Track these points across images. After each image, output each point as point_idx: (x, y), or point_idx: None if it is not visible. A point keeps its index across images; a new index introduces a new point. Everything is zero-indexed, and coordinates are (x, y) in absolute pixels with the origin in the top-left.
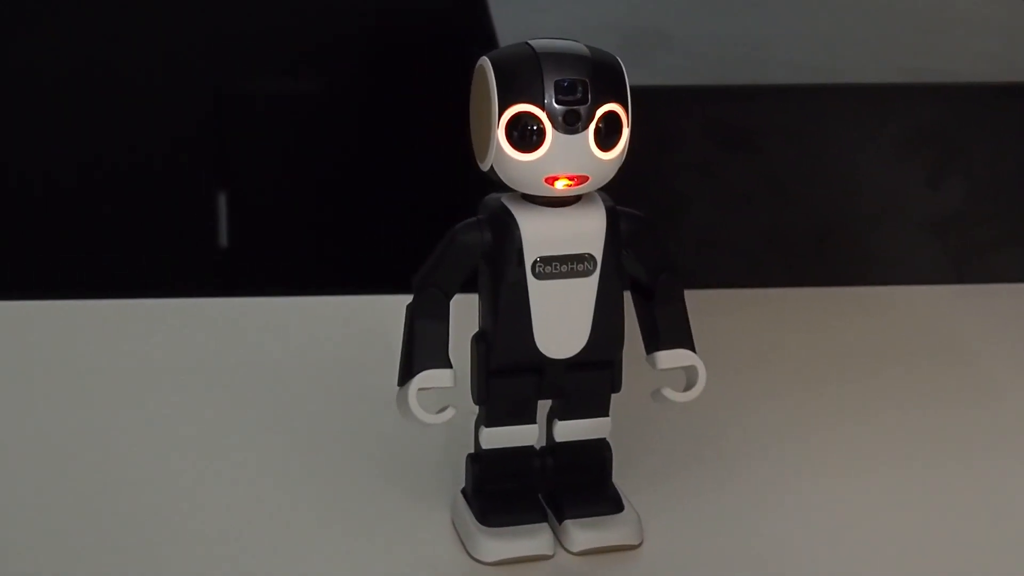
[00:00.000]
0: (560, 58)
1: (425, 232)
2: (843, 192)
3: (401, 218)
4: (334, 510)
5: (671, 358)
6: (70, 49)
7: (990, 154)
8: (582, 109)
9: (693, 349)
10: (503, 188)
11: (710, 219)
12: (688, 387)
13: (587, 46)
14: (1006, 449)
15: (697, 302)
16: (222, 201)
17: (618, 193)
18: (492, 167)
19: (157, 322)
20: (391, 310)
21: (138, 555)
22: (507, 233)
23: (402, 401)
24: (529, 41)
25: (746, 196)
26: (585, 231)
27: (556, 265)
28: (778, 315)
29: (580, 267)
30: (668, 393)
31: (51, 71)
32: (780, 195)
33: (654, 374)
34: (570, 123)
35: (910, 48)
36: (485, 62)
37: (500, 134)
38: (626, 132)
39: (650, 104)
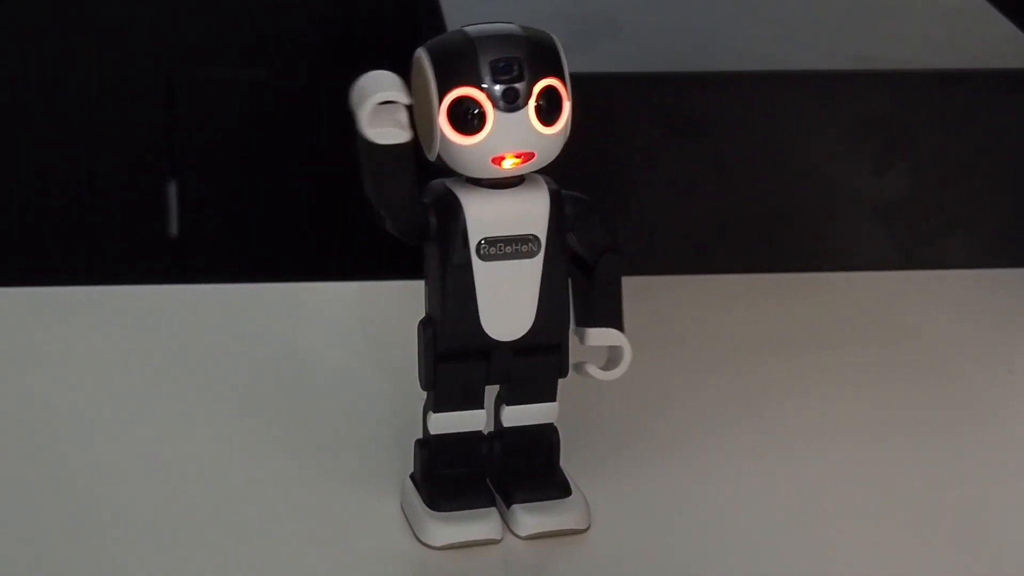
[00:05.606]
0: (494, 39)
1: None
2: (791, 179)
3: (351, 206)
4: (281, 495)
5: (600, 336)
6: (20, 38)
7: (936, 141)
8: (520, 86)
9: (623, 330)
10: (452, 176)
11: (658, 206)
12: (610, 366)
13: (521, 27)
14: (951, 425)
15: (644, 288)
16: (172, 190)
17: (566, 179)
18: (439, 156)
19: (105, 309)
20: (340, 297)
21: (75, 530)
22: (452, 215)
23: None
24: (464, 28)
25: (694, 183)
26: (529, 212)
27: (501, 246)
28: (725, 301)
29: (525, 248)
30: (591, 369)
31: (1, 59)
32: (728, 182)
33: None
34: (509, 101)
35: (857, 35)
36: (421, 52)
37: (442, 121)
38: (567, 106)
39: (598, 91)
